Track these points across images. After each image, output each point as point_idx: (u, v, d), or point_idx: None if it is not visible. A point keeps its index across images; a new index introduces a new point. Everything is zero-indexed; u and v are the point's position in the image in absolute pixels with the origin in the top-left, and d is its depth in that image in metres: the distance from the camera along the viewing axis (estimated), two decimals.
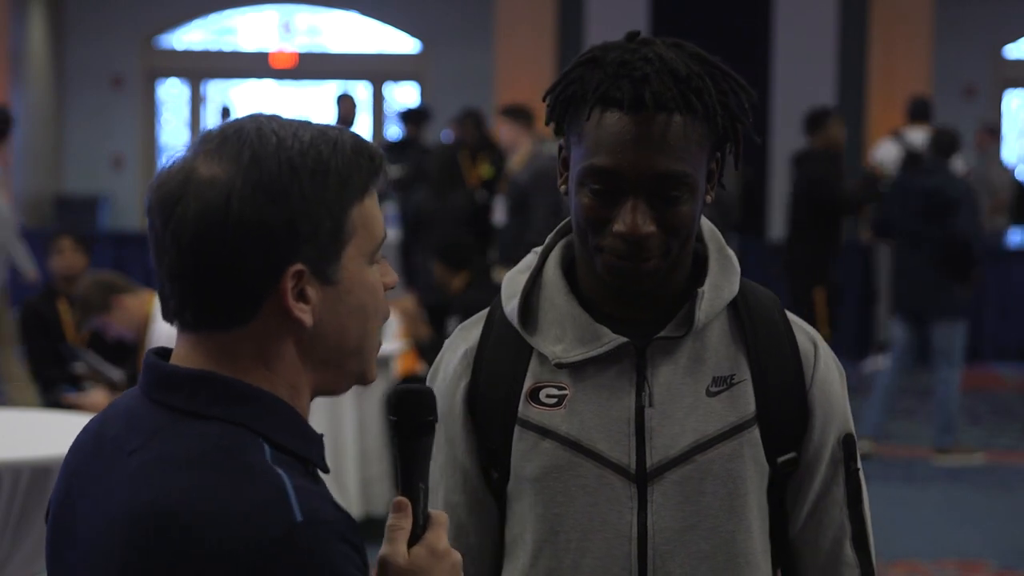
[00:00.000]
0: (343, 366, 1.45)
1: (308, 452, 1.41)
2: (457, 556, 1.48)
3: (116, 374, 5.95)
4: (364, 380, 1.48)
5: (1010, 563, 6.12)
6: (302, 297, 1.39)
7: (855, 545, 1.89)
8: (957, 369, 7.95)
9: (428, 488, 1.50)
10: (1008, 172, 12.96)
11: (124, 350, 5.89)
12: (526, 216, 8.17)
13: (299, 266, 1.37)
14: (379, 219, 1.46)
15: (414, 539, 1.46)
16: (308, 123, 1.43)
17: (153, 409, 1.40)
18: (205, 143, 1.40)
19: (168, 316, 1.42)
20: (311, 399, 1.45)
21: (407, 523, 1.46)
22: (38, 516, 4.03)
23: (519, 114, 8.60)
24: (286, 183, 1.37)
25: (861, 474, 1.91)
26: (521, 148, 8.48)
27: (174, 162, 1.40)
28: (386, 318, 1.48)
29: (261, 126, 1.40)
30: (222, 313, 1.38)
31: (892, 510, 6.63)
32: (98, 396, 5.73)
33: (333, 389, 1.47)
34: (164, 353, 1.45)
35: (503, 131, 8.63)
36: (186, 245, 1.36)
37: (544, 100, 1.84)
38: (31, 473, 4.01)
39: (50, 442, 4.26)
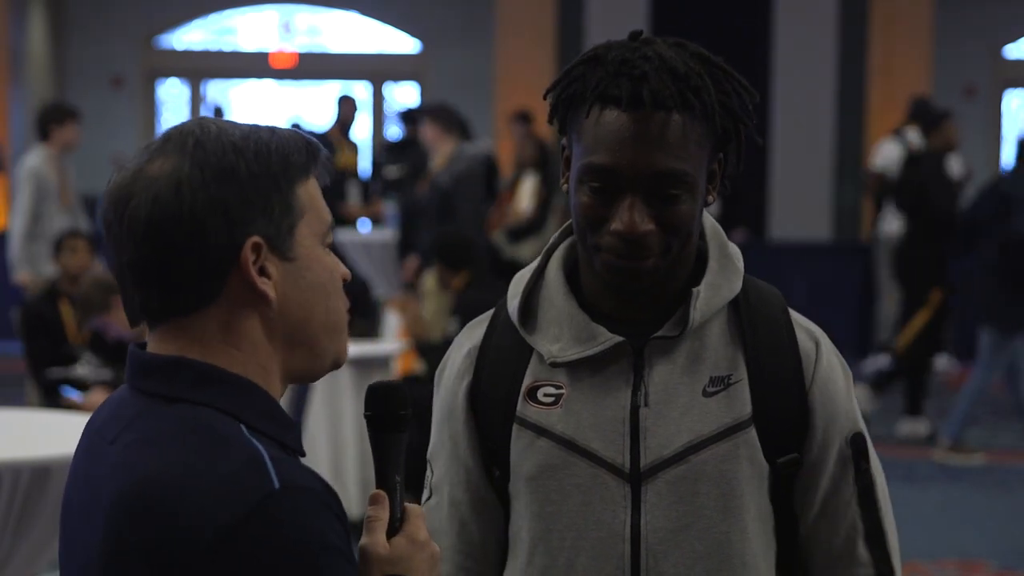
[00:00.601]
0: (316, 344, 1.48)
1: (283, 436, 1.43)
2: (436, 548, 1.50)
3: (106, 374, 5.95)
4: (340, 359, 1.51)
5: (1010, 563, 6.12)
6: (263, 272, 1.43)
7: (869, 544, 1.88)
8: (988, 375, 7.87)
9: (404, 482, 1.52)
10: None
11: (124, 350, 5.89)
12: (452, 219, 8.10)
13: (256, 238, 1.42)
14: (324, 204, 1.50)
15: (392, 531, 1.49)
16: (253, 124, 1.49)
17: (134, 397, 1.45)
18: (149, 147, 1.46)
19: (135, 316, 1.46)
20: (285, 383, 1.48)
21: (385, 514, 1.49)
22: (38, 516, 4.03)
23: (441, 114, 8.55)
24: (232, 161, 1.42)
25: (874, 472, 1.89)
26: (443, 149, 8.41)
27: (123, 169, 1.46)
28: (347, 304, 1.51)
29: (202, 122, 1.46)
30: (186, 295, 1.42)
31: (892, 510, 6.62)
32: (98, 396, 5.73)
33: (310, 372, 1.49)
34: (144, 345, 1.48)
35: (425, 131, 8.60)
36: (142, 235, 1.41)
37: (545, 98, 1.84)
38: (31, 473, 4.00)
39: (50, 442, 4.26)
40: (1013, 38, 14.44)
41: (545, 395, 1.84)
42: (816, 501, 1.87)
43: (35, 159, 8.49)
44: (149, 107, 15.33)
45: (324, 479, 1.40)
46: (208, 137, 1.43)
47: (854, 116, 12.71)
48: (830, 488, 1.87)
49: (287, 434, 1.44)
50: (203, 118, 1.48)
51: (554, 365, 1.84)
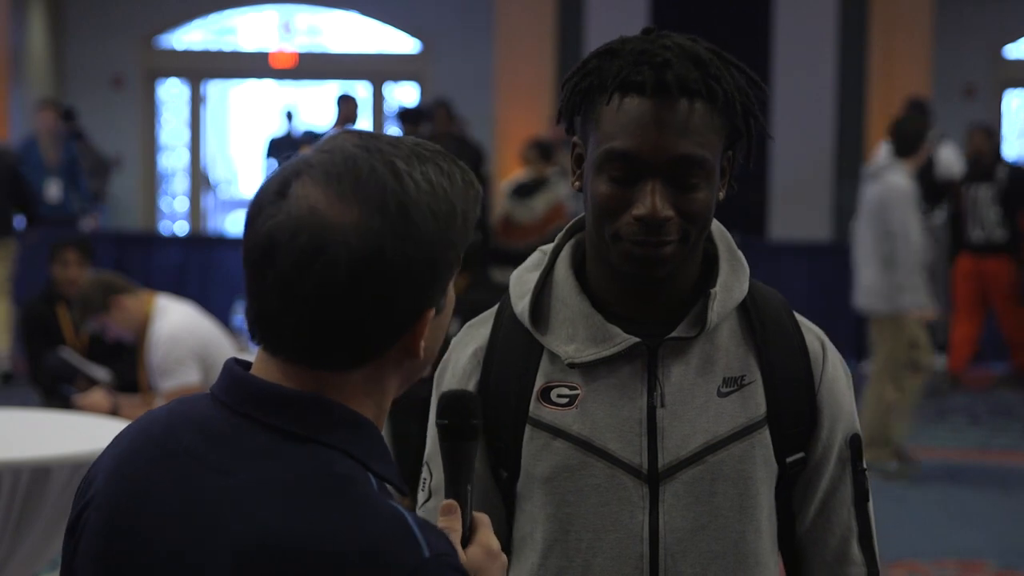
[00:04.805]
0: (416, 378, 1.46)
1: (395, 477, 1.40)
2: (505, 557, 1.49)
3: (101, 373, 5.94)
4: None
5: (1010, 563, 6.11)
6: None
7: (861, 545, 1.90)
8: None
9: (474, 490, 1.51)
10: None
11: (123, 350, 5.89)
12: None
13: (432, 310, 1.39)
14: None
15: (463, 540, 1.47)
16: (418, 151, 1.40)
17: (246, 426, 1.38)
18: (331, 180, 1.35)
19: (270, 346, 1.38)
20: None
21: (459, 524, 1.47)
22: (38, 516, 4.02)
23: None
24: (431, 233, 1.36)
25: (867, 474, 1.91)
26: None
27: (290, 195, 1.35)
28: None
29: (394, 168, 1.36)
30: (351, 355, 1.37)
31: (892, 510, 6.63)
32: (98, 396, 5.73)
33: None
34: (244, 364, 1.42)
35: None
36: (339, 293, 1.33)
37: (563, 88, 1.83)
38: (31, 473, 4.00)
39: (50, 442, 4.26)
40: (1013, 38, 14.44)
41: (559, 396, 1.84)
42: (815, 500, 1.89)
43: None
44: (149, 107, 15.33)
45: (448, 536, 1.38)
46: (409, 199, 1.35)
47: (854, 116, 12.71)
48: (829, 488, 1.89)
49: (395, 474, 1.41)
50: (382, 153, 1.37)
51: (571, 366, 1.83)
